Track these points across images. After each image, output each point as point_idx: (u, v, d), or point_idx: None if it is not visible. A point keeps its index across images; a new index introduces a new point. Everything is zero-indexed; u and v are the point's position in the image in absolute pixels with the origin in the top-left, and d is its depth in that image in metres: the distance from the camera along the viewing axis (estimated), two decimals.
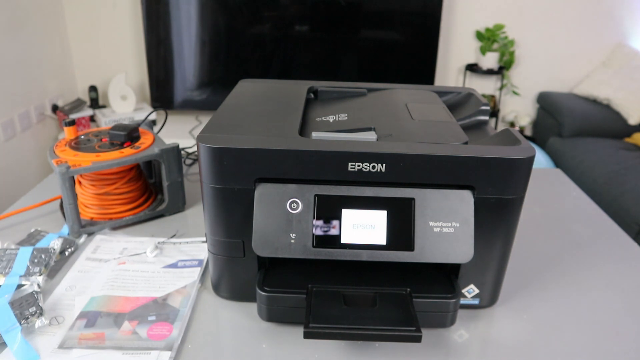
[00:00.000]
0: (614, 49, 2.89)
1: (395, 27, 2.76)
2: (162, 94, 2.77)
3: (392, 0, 2.69)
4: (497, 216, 0.62)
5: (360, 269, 0.68)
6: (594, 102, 2.73)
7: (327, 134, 0.64)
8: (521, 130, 3.02)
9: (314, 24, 2.73)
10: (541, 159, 2.51)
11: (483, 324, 0.68)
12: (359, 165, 0.59)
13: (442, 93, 0.88)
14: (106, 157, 0.84)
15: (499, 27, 2.81)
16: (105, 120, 2.59)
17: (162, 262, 0.79)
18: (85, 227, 0.87)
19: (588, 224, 0.95)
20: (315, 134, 0.64)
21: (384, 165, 0.59)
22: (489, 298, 0.70)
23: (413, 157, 0.58)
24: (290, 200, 0.60)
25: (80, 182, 0.91)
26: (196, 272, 0.76)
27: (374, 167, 0.59)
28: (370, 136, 0.64)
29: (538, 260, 0.83)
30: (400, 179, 0.60)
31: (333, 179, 0.60)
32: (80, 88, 2.90)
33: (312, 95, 0.86)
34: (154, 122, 2.80)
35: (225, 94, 0.87)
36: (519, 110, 3.05)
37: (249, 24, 2.70)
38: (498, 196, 0.61)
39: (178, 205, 0.94)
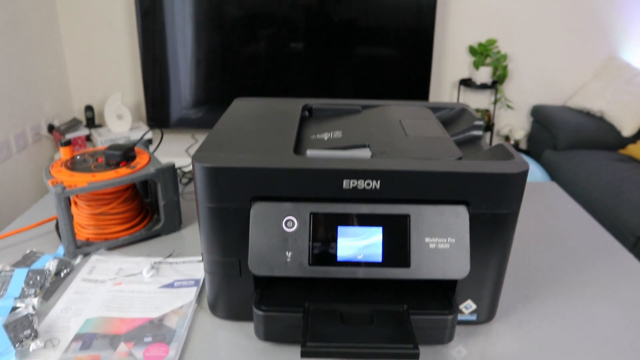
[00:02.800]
0: (605, 61, 2.92)
1: (389, 44, 2.78)
2: (158, 112, 2.79)
3: (385, 16, 2.72)
4: (492, 231, 0.62)
5: (357, 286, 0.68)
6: (587, 114, 2.76)
7: (322, 152, 0.64)
8: (516, 144, 3.04)
9: (308, 41, 2.76)
10: (536, 172, 2.53)
11: (481, 340, 0.68)
12: (353, 183, 0.59)
13: (435, 109, 0.88)
14: (102, 177, 0.84)
15: (492, 42, 2.84)
16: (102, 139, 2.59)
17: (159, 282, 0.79)
18: (81, 248, 0.87)
19: (584, 237, 0.95)
20: (310, 152, 0.64)
21: (379, 181, 0.59)
22: (486, 313, 0.70)
23: (407, 174, 0.59)
24: (285, 219, 0.61)
25: (76, 203, 0.90)
26: (192, 292, 0.76)
27: (368, 184, 0.59)
28: (365, 153, 0.64)
29: (535, 274, 0.83)
30: (395, 195, 0.60)
31: (328, 197, 0.60)
32: (77, 108, 2.91)
33: (306, 113, 0.87)
34: (150, 141, 2.77)
35: (221, 112, 0.88)
36: (514, 124, 3.07)
37: (244, 42, 2.73)
38: (493, 211, 0.61)
39: (174, 224, 0.94)
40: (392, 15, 2.72)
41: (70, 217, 0.83)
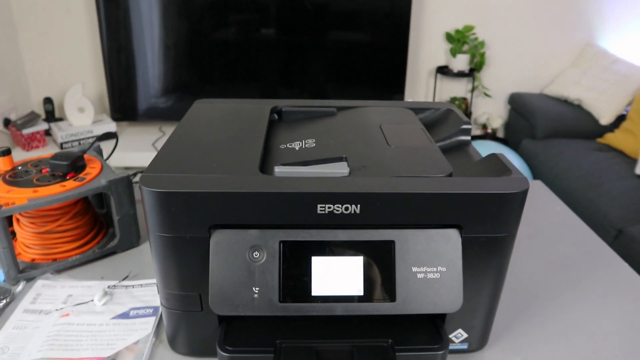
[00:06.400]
0: (583, 48, 2.89)
1: (364, 30, 2.70)
2: (123, 104, 2.65)
3: (360, 1, 2.63)
4: (487, 256, 0.55)
5: (335, 320, 0.60)
6: (565, 102, 2.72)
7: (292, 169, 0.56)
8: (494, 132, 3.00)
9: (280, 27, 2.65)
10: (515, 162, 2.48)
11: None
12: (329, 207, 0.51)
13: (418, 110, 0.80)
14: (45, 193, 0.74)
15: (469, 29, 2.78)
16: (62, 134, 2.45)
17: (112, 312, 0.70)
18: (25, 272, 0.77)
19: (576, 245, 0.89)
20: (278, 169, 0.55)
21: (359, 206, 0.51)
22: (478, 341, 0.63)
23: (391, 196, 0.51)
24: (251, 249, 0.52)
25: (18, 220, 0.80)
26: (150, 322, 0.67)
27: (347, 208, 0.51)
28: (342, 169, 0.56)
29: (528, 291, 0.77)
30: (377, 221, 0.52)
31: (301, 223, 0.52)
32: (35, 100, 2.74)
33: (275, 117, 0.78)
34: (115, 135, 2.63)
35: (190, 101, 0.79)
36: (491, 112, 3.03)
37: (214, 28, 2.61)
38: (488, 235, 0.54)
39: (131, 240, 0.85)
40: (367, 0, 2.63)
41: (10, 239, 0.73)
